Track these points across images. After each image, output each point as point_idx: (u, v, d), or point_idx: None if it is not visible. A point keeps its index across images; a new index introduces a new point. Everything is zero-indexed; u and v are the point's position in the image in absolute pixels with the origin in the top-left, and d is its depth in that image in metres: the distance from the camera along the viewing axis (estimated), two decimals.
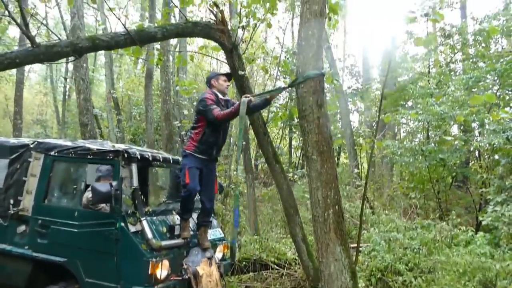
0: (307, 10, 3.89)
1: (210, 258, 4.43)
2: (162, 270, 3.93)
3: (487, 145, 8.95)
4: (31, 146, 4.74)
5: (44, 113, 32.17)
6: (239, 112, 4.08)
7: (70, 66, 21.37)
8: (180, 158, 5.21)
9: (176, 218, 4.55)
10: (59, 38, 4.56)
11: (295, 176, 13.53)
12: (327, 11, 4.14)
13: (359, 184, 13.26)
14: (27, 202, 4.53)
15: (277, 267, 6.71)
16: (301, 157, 20.82)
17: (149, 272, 3.81)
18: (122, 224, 3.94)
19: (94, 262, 4.06)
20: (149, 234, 3.96)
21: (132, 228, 3.96)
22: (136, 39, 4.46)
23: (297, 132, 18.92)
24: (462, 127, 11.64)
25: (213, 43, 5.57)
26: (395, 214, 9.66)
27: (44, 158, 4.62)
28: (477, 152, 11.55)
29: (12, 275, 4.52)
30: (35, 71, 31.51)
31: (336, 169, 3.98)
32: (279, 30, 20.21)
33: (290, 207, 5.13)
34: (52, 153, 4.58)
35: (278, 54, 14.36)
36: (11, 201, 4.59)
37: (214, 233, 5.05)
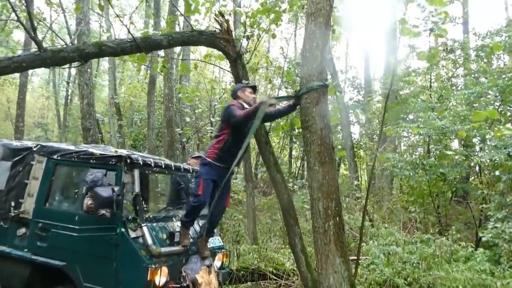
0: (312, 22, 3.92)
1: (209, 266, 4.42)
2: (161, 277, 3.91)
3: (488, 160, 8.96)
4: (34, 149, 4.75)
5: (45, 116, 32.28)
6: (257, 112, 3.99)
7: (73, 71, 21.53)
8: (181, 165, 5.22)
9: (176, 225, 4.54)
10: (65, 44, 4.60)
11: (295, 186, 13.52)
12: (332, 23, 4.18)
13: (358, 196, 13.24)
14: (28, 205, 4.53)
15: (275, 277, 6.68)
16: (301, 167, 20.82)
17: (148, 278, 3.79)
18: (123, 229, 3.93)
19: (93, 267, 4.05)
20: (149, 240, 3.96)
21: (132, 234, 3.95)
22: (142, 46, 4.51)
23: (297, 142, 18.95)
24: (463, 142, 11.67)
25: (217, 52, 5.62)
26: (394, 227, 9.63)
27: (46, 162, 4.63)
28: (477, 168, 11.55)
29: (10, 277, 4.50)
30: (38, 75, 31.70)
31: (338, 180, 3.98)
32: (281, 41, 20.38)
33: (290, 217, 5.10)
34: (55, 156, 4.59)
35: (281, 64, 14.44)
36: (12, 204, 4.60)
37: (213, 241, 5.04)
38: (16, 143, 5.13)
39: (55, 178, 4.60)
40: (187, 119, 15.35)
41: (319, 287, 3.81)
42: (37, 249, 4.33)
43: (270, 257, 7.29)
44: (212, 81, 16.28)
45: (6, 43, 18.84)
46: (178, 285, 4.13)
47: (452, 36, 14.47)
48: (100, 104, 25.21)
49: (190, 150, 14.27)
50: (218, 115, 14.62)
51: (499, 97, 10.66)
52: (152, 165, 4.48)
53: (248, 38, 5.56)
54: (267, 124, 6.61)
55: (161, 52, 10.64)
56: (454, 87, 14.07)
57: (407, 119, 14.03)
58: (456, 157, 10.35)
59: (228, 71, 5.33)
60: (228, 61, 5.15)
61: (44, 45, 4.32)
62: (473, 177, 12.95)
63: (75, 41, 9.62)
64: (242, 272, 6.58)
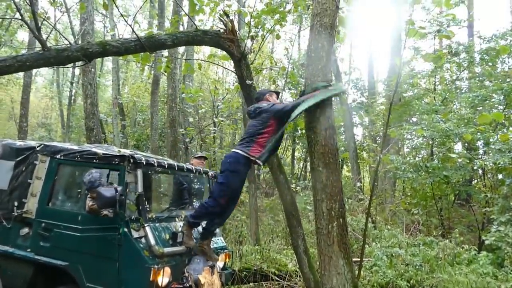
0: (318, 23, 3.92)
1: (212, 267, 4.41)
2: (163, 277, 3.90)
3: (492, 164, 8.92)
4: (38, 148, 4.75)
5: (49, 116, 32.41)
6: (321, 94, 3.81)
7: (77, 71, 21.59)
8: (184, 165, 5.21)
9: (179, 226, 4.53)
10: (69, 43, 4.61)
11: (298, 188, 13.50)
12: (337, 23, 4.16)
13: (361, 198, 13.21)
14: (31, 204, 4.53)
15: (278, 279, 6.66)
16: (303, 169, 20.80)
17: (151, 279, 3.78)
18: (126, 229, 3.92)
19: (96, 267, 4.04)
20: (152, 241, 3.94)
21: (135, 234, 3.94)
22: (146, 46, 4.51)
23: (300, 143, 18.93)
24: (466, 145, 11.62)
25: (221, 52, 5.61)
26: (397, 229, 9.60)
27: (50, 161, 4.62)
28: (481, 171, 11.51)
29: (13, 277, 4.50)
30: (42, 75, 31.82)
31: (341, 182, 3.97)
32: (285, 42, 20.39)
33: (293, 218, 5.09)
34: (58, 156, 4.59)
35: (285, 65, 14.43)
36: (15, 203, 4.59)
37: (216, 241, 5.02)
38: (19, 143, 5.13)
39: (58, 178, 4.60)
40: (190, 119, 15.36)
41: None
42: (40, 249, 4.33)
43: (272, 258, 7.28)
44: (216, 82, 16.30)
45: (10, 42, 18.90)
46: (181, 286, 4.12)
47: (457, 39, 14.42)
48: (103, 104, 25.28)
49: (193, 150, 14.28)
50: (221, 116, 14.64)
51: (503, 100, 10.61)
52: (155, 165, 4.47)
53: (252, 38, 5.55)
54: None
55: (165, 52, 10.66)
56: (458, 90, 14.03)
57: (411, 121, 13.99)
58: (460, 160, 10.32)
59: (232, 71, 5.33)
60: (232, 61, 5.15)
61: (48, 45, 4.33)
62: (476, 180, 12.90)
63: (79, 41, 9.64)
64: (244, 272, 6.57)
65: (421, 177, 10.56)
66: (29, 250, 4.38)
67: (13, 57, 4.19)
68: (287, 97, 16.93)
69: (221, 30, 4.90)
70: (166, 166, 4.67)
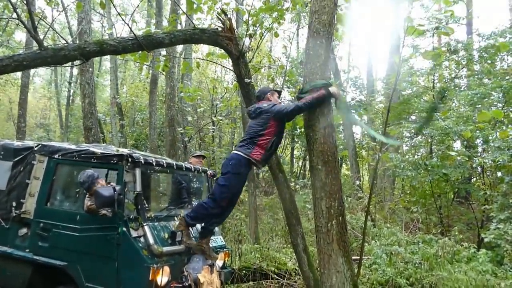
0: (316, 20, 3.90)
1: (211, 266, 4.39)
2: (162, 277, 3.89)
3: (491, 161, 8.92)
4: (35, 148, 4.73)
5: (47, 117, 32.39)
6: (325, 97, 3.79)
7: (75, 71, 21.57)
8: (183, 164, 5.19)
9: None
10: (67, 42, 4.58)
11: (297, 186, 13.49)
12: (335, 21, 4.15)
13: (360, 196, 13.20)
14: (30, 205, 4.51)
15: (277, 277, 6.65)
16: (302, 167, 20.79)
17: (150, 278, 3.77)
18: (124, 229, 3.91)
19: (95, 267, 4.03)
20: (151, 240, 3.93)
21: (134, 233, 3.93)
22: (143, 44, 4.49)
23: (299, 142, 18.92)
24: (465, 143, 11.62)
25: (219, 51, 5.59)
26: (396, 227, 9.60)
27: (47, 161, 4.61)
28: (480, 169, 11.51)
29: (12, 278, 4.48)
30: (40, 75, 31.77)
31: (341, 180, 3.96)
32: (284, 40, 20.35)
33: (292, 216, 5.09)
34: (56, 156, 4.57)
35: (284, 63, 14.41)
36: (14, 204, 4.57)
37: (215, 240, 5.01)
38: (17, 143, 5.11)
39: (56, 178, 4.58)
40: (189, 119, 15.34)
41: (322, 286, 3.78)
42: (39, 249, 4.32)
43: (272, 257, 7.27)
44: (214, 80, 16.27)
45: (7, 43, 18.85)
46: (180, 285, 4.11)
47: (456, 37, 14.42)
48: (102, 104, 25.26)
49: (192, 149, 14.25)
50: (220, 115, 14.61)
51: (502, 98, 10.61)
52: (154, 164, 4.45)
53: (250, 36, 5.52)
54: None
55: (163, 51, 10.65)
56: (457, 88, 14.03)
57: (409, 119, 13.99)
58: (459, 157, 10.31)
59: (231, 69, 5.31)
60: (230, 59, 5.13)
61: (46, 44, 4.30)
62: (475, 178, 12.90)
63: (77, 40, 9.61)
64: (244, 271, 6.56)
65: (420, 175, 10.55)
66: (27, 250, 4.37)
67: (10, 56, 4.16)
68: (286, 96, 16.94)
69: (219, 28, 4.88)
70: (165, 165, 4.66)
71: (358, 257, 4.81)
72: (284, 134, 17.43)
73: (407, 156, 13.14)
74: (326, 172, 3.76)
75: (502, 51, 11.73)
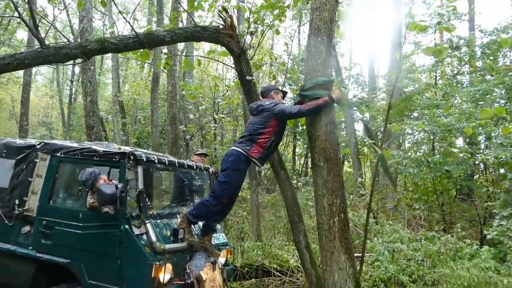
0: (317, 17, 3.89)
1: (213, 263, 4.40)
2: (165, 274, 3.90)
3: (494, 158, 8.89)
4: (38, 147, 4.75)
5: (49, 115, 32.44)
6: (327, 104, 3.79)
7: (77, 69, 21.60)
8: (185, 162, 5.20)
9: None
10: (68, 41, 4.59)
11: (299, 184, 13.49)
12: (337, 18, 4.14)
13: (362, 193, 13.20)
14: (32, 202, 4.53)
15: (280, 274, 6.66)
16: (304, 165, 20.79)
17: (152, 275, 3.79)
18: (127, 226, 3.92)
19: (98, 264, 4.04)
20: (153, 237, 3.95)
21: (136, 231, 3.95)
22: (144, 42, 4.49)
23: (301, 140, 18.91)
24: (468, 140, 11.60)
25: (220, 48, 5.59)
26: (398, 224, 9.60)
27: (50, 159, 4.62)
28: (482, 165, 11.49)
29: (15, 275, 4.50)
30: (42, 74, 31.82)
31: (342, 177, 3.95)
32: (285, 37, 20.33)
33: (294, 214, 5.09)
34: (58, 154, 4.58)
35: (285, 61, 14.39)
36: (17, 202, 4.59)
37: (218, 237, 5.02)
38: (19, 141, 5.13)
39: (58, 176, 4.60)
40: (191, 116, 15.35)
41: (324, 283, 3.79)
42: (42, 246, 4.33)
43: (274, 254, 7.27)
44: (216, 78, 16.26)
45: (9, 41, 18.89)
46: (183, 282, 4.12)
47: (458, 33, 14.36)
48: (104, 102, 25.28)
49: (194, 147, 14.27)
50: (221, 112, 14.61)
51: (505, 94, 10.57)
52: (156, 161, 4.47)
53: (251, 34, 5.52)
54: None
55: (164, 49, 10.64)
56: (459, 85, 13.98)
57: (412, 116, 13.95)
58: (461, 154, 10.28)
59: (232, 67, 5.30)
60: (231, 57, 5.12)
61: (47, 43, 4.30)
62: (478, 175, 12.88)
63: (78, 39, 9.62)
64: (246, 269, 6.57)
65: (422, 172, 10.53)
66: (31, 248, 4.39)
67: (11, 55, 4.17)
68: (288, 93, 16.88)
69: (220, 26, 4.87)
70: (167, 163, 4.67)
71: (360, 254, 4.81)
72: (286, 132, 17.46)
73: (409, 153, 13.12)
74: (328, 169, 3.76)
75: (504, 47, 11.69)
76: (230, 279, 5.52)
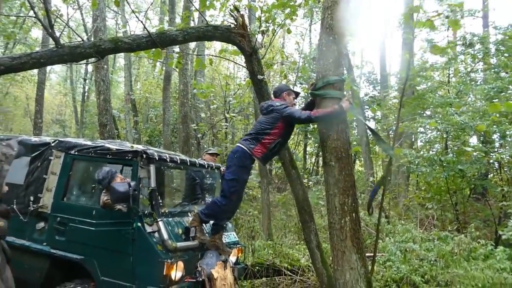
0: (329, 16, 3.88)
1: (224, 262, 4.43)
2: (176, 272, 3.94)
3: (509, 157, 8.75)
4: (52, 144, 4.82)
5: (63, 113, 32.87)
6: (337, 113, 3.78)
7: (90, 68, 21.83)
8: (196, 160, 5.23)
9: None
10: (82, 40, 4.64)
11: (310, 182, 13.46)
12: (348, 17, 4.11)
13: None
14: (47, 199, 4.60)
15: (290, 273, 6.66)
16: (315, 163, 20.72)
17: (164, 273, 3.82)
18: (139, 224, 3.97)
19: (110, 261, 4.09)
20: (165, 235, 3.98)
21: (149, 229, 3.98)
22: (157, 42, 4.52)
23: (312, 138, 18.85)
24: (482, 138, 11.43)
25: (232, 47, 5.60)
26: (411, 224, 9.52)
27: (64, 157, 4.69)
28: (497, 164, 11.31)
29: (29, 271, 4.57)
30: (55, 72, 32.22)
31: (354, 176, 3.94)
32: (296, 36, 20.26)
33: (305, 213, 5.09)
34: (72, 152, 4.65)
35: (296, 59, 14.36)
36: (31, 198, 4.67)
37: (229, 236, 5.04)
38: (34, 139, 5.21)
39: (72, 173, 4.66)
40: (202, 115, 15.40)
41: (335, 283, 3.78)
42: (56, 243, 4.40)
43: (285, 253, 7.27)
44: (227, 77, 16.29)
45: (24, 40, 19.15)
46: (194, 280, 4.15)
47: (471, 30, 14.17)
48: (116, 101, 25.49)
49: (205, 146, 14.33)
50: (232, 111, 14.64)
51: None
52: (168, 160, 4.50)
53: (263, 33, 5.52)
54: None
55: (176, 48, 10.70)
56: (473, 82, 13.78)
57: (424, 114, 13.81)
58: (475, 153, 10.14)
59: (243, 66, 5.31)
60: (243, 56, 5.13)
61: (61, 42, 4.36)
62: (492, 174, 12.69)
63: (92, 38, 9.72)
64: (257, 267, 6.58)
65: (435, 171, 10.41)
66: (45, 244, 4.46)
67: (28, 54, 4.24)
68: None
69: (232, 25, 4.88)
70: (179, 161, 4.70)
71: (372, 254, 4.79)
72: (297, 130, 17.43)
73: (421, 152, 12.97)
74: (339, 168, 3.76)
75: None
76: (241, 277, 5.54)
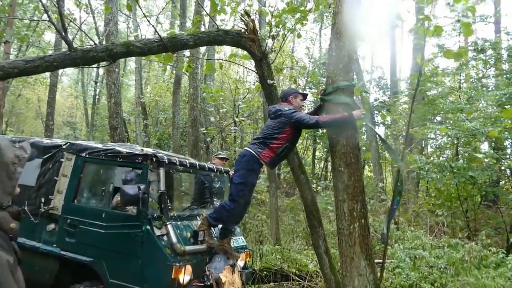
0: (339, 21, 3.88)
1: (233, 266, 4.42)
2: (185, 275, 3.94)
3: None
4: (64, 147, 4.87)
5: (74, 115, 33.21)
6: (346, 120, 3.79)
7: (101, 71, 22.02)
8: (205, 164, 5.24)
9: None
10: (94, 44, 4.70)
11: (319, 188, 13.42)
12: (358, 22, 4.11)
13: (383, 198, 13.02)
14: (58, 201, 4.63)
15: (298, 279, 6.63)
16: (324, 168, 20.65)
17: (172, 276, 3.83)
18: (148, 227, 3.98)
19: (119, 264, 4.11)
20: (174, 239, 3.99)
21: (158, 232, 4.00)
22: (168, 46, 4.56)
23: (321, 143, 18.80)
24: (493, 145, 11.31)
25: (242, 52, 5.62)
26: (420, 231, 9.43)
27: (75, 159, 4.73)
28: (508, 171, 11.18)
29: (39, 272, 4.61)
30: (67, 75, 32.58)
31: (363, 182, 3.92)
32: (307, 41, 20.27)
33: (314, 218, 5.07)
34: (83, 154, 4.69)
35: (306, 64, 14.35)
36: (42, 200, 4.71)
37: (237, 240, 5.04)
38: (46, 141, 5.27)
39: (83, 176, 4.70)
40: (212, 119, 15.46)
41: None
42: (66, 244, 4.43)
43: (293, 258, 7.25)
44: (236, 81, 16.34)
45: (38, 43, 19.42)
46: (202, 284, 4.15)
47: (483, 36, 14.06)
48: (126, 104, 25.69)
49: (214, 149, 14.37)
50: (242, 115, 14.67)
51: None
52: (177, 164, 4.52)
53: (273, 38, 5.53)
54: None
55: (187, 52, 10.77)
56: (484, 88, 13.66)
57: (435, 120, 13.71)
58: (486, 160, 10.04)
59: (253, 70, 5.33)
60: (253, 60, 5.15)
61: (74, 45, 4.42)
62: (504, 181, 12.54)
63: (104, 41, 9.82)
64: (265, 272, 6.57)
65: (445, 177, 10.32)
66: (55, 245, 4.49)
67: (41, 57, 4.30)
68: (308, 97, 16.83)
69: (242, 30, 4.90)
70: (188, 165, 4.72)
71: (381, 261, 4.75)
72: (306, 135, 17.41)
73: (432, 158, 12.86)
74: (348, 174, 3.74)
75: None
76: (249, 282, 5.53)
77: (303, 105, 4.71)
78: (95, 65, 4.97)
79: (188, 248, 4.10)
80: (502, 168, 10.42)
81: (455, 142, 12.21)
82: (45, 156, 4.95)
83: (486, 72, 14.13)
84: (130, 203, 3.91)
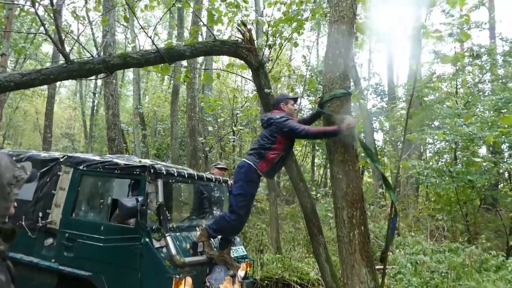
0: (335, 30, 3.90)
1: (233, 276, 4.40)
2: (185, 287, 3.92)
3: None
4: (61, 160, 4.85)
5: (72, 127, 33.23)
6: (336, 133, 3.78)
7: (99, 82, 22.09)
8: (204, 174, 5.24)
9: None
10: (91, 55, 4.71)
11: (318, 195, 13.39)
12: (355, 30, 4.14)
13: (383, 204, 13.00)
14: (55, 215, 4.60)
15: (300, 287, 6.59)
16: (324, 175, 20.62)
17: None
18: (147, 239, 3.96)
19: (119, 277, 4.08)
20: (173, 250, 3.97)
21: (157, 244, 3.98)
22: (165, 57, 4.57)
23: (320, 150, 18.80)
24: (491, 149, 11.34)
25: (239, 61, 5.65)
26: (421, 236, 9.41)
27: (73, 172, 4.71)
28: (507, 174, 11.19)
29: (38, 287, 4.57)
30: (65, 86, 32.69)
31: (362, 189, 3.92)
32: (304, 49, 20.37)
33: (314, 226, 5.05)
34: (81, 167, 4.67)
35: (303, 72, 14.42)
36: (40, 214, 4.67)
37: (237, 250, 5.02)
38: (43, 154, 5.25)
39: (81, 189, 4.68)
40: (210, 128, 15.46)
41: None
42: (64, 259, 4.39)
43: (294, 267, 7.21)
44: (234, 90, 16.38)
45: (35, 55, 19.48)
46: None
47: (478, 42, 14.19)
48: (124, 114, 25.72)
49: (213, 159, 14.35)
50: (240, 124, 14.68)
51: None
52: (175, 174, 4.51)
53: (270, 47, 5.56)
54: None
55: (184, 62, 10.81)
56: (481, 93, 13.73)
57: (432, 125, 13.74)
58: (485, 164, 10.06)
59: (251, 80, 5.34)
60: (250, 70, 5.17)
61: (72, 57, 4.43)
62: (502, 184, 12.55)
63: (101, 53, 9.85)
64: (266, 281, 6.54)
65: (444, 182, 10.33)
66: (53, 260, 4.44)
67: (38, 70, 4.30)
68: (306, 105, 16.88)
69: (239, 40, 4.93)
70: (186, 175, 4.71)
71: (382, 267, 4.73)
72: (305, 142, 17.41)
73: (430, 163, 12.87)
74: (347, 181, 3.73)
75: None
76: None
77: (295, 109, 4.71)
78: (93, 77, 4.97)
79: (188, 259, 4.08)
80: (500, 171, 10.43)
81: (453, 147, 12.22)
82: (43, 170, 4.91)
83: (482, 77, 14.21)
84: (129, 215, 3.89)
